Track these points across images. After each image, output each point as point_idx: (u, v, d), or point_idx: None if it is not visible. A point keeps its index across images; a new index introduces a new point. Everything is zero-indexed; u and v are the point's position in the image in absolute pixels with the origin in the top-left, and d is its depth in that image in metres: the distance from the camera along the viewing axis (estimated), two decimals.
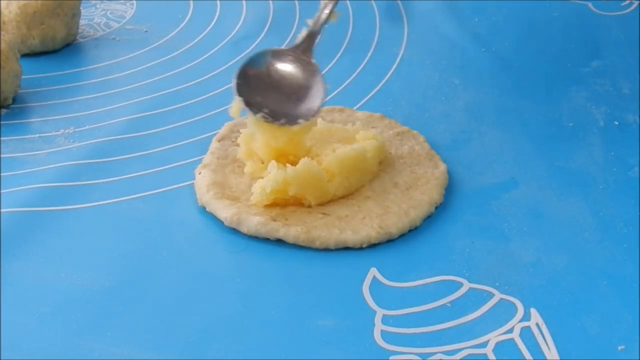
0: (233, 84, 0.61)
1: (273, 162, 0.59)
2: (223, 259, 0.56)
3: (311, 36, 0.64)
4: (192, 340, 0.50)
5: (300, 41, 0.64)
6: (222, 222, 0.58)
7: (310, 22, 0.64)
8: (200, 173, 0.62)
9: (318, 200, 0.59)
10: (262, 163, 0.61)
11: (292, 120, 0.60)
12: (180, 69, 0.78)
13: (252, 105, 0.60)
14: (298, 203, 0.59)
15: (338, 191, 0.60)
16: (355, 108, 0.71)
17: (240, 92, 0.61)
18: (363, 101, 0.73)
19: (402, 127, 0.68)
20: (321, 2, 0.65)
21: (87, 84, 0.75)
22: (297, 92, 0.62)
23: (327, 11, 0.64)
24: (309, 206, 0.59)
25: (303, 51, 0.63)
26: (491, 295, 0.53)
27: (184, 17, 0.87)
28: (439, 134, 0.69)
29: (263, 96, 0.61)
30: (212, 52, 0.81)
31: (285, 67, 0.63)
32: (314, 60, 0.63)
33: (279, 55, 0.63)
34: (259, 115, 0.60)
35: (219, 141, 0.66)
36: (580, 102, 0.74)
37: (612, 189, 0.63)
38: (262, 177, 0.59)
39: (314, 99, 0.62)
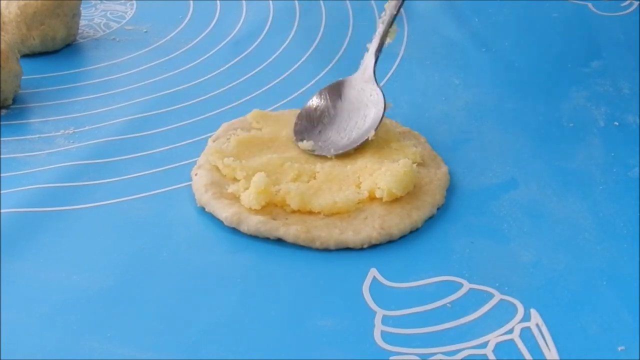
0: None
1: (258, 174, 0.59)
2: (223, 259, 0.56)
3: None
4: (192, 340, 0.50)
5: (363, 68, 0.66)
6: (221, 222, 0.58)
7: (369, 46, 0.67)
8: (196, 174, 0.62)
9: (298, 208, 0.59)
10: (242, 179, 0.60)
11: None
12: (180, 69, 0.78)
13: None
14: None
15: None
16: None
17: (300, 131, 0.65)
18: None
19: (403, 127, 0.68)
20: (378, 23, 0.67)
21: (87, 84, 0.75)
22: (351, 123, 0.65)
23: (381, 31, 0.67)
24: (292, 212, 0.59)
25: (366, 79, 0.66)
26: (491, 295, 0.53)
27: (184, 17, 0.87)
28: (439, 134, 0.69)
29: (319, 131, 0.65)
30: (212, 52, 0.81)
31: (345, 99, 0.66)
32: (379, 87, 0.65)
33: (339, 86, 0.67)
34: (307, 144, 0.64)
35: (213, 141, 0.65)
36: (580, 102, 0.74)
37: (612, 189, 0.63)
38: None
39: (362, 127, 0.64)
